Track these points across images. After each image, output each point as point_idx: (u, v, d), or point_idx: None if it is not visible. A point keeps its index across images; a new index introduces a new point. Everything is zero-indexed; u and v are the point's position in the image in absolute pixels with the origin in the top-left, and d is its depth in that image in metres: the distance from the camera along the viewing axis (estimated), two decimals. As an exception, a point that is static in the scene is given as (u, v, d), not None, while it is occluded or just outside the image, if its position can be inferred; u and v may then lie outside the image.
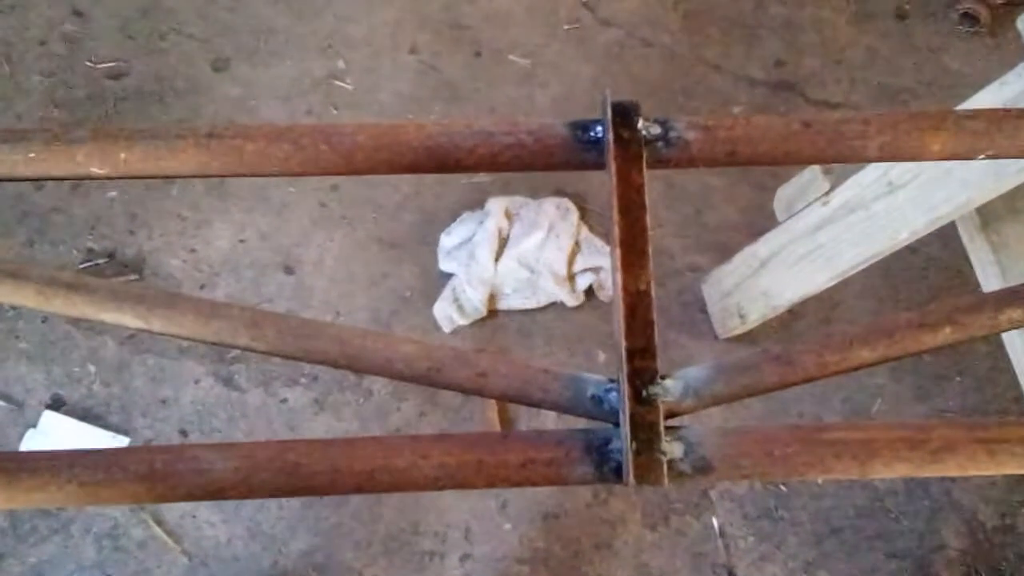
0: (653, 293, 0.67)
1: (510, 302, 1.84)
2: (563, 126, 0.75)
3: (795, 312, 1.77)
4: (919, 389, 1.83)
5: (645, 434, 0.65)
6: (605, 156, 0.72)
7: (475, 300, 1.80)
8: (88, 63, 1.94)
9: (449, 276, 1.85)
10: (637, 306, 0.69)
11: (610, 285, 1.83)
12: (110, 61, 1.94)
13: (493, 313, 1.84)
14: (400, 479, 0.74)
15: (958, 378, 1.84)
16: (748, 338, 1.77)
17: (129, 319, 0.80)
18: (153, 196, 1.87)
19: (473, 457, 0.73)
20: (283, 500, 1.73)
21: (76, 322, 1.78)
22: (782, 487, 1.77)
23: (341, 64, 1.96)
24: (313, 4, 1.98)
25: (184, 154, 0.80)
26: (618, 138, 0.70)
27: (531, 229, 1.83)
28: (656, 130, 0.70)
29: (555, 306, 1.85)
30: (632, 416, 0.65)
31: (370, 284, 1.86)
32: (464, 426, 1.77)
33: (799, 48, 1.99)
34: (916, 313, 0.65)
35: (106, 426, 1.75)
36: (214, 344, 0.82)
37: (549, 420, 1.78)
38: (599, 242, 1.86)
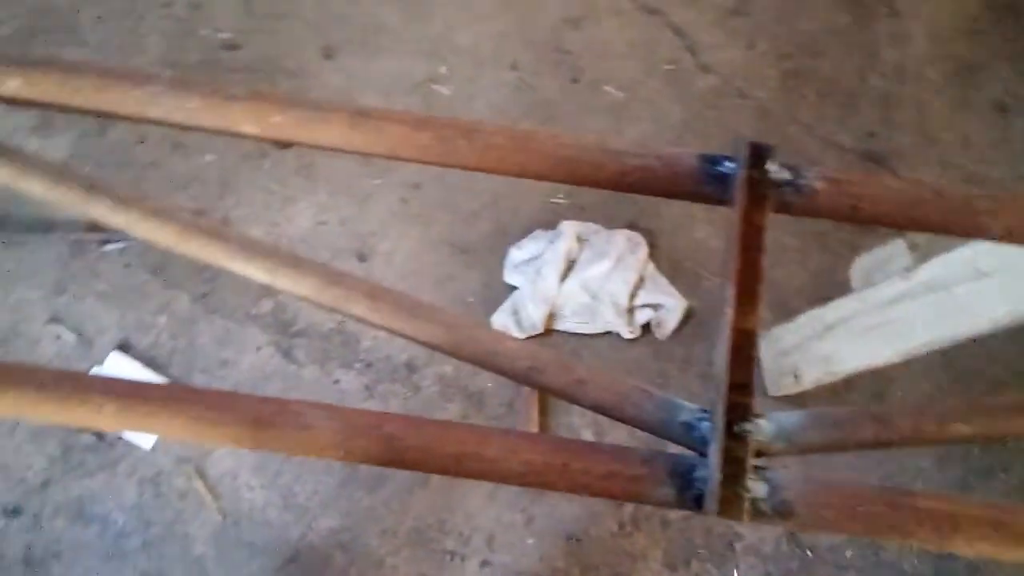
0: (759, 333, 0.70)
1: (567, 324, 1.87)
2: (693, 156, 0.78)
3: (849, 381, 1.78)
4: (962, 480, 1.81)
5: (732, 468, 0.67)
6: (732, 193, 0.74)
7: (534, 316, 1.84)
8: (206, 31, 2.03)
9: (512, 288, 1.89)
10: (743, 344, 0.71)
11: (668, 324, 1.87)
12: (227, 32, 2.03)
13: (549, 332, 1.87)
14: (487, 468, 0.78)
15: (1002, 475, 1.83)
16: (798, 399, 1.78)
17: (258, 273, 0.85)
18: (246, 166, 1.95)
19: (559, 460, 0.76)
20: (320, 476, 1.78)
21: (156, 272, 1.86)
22: (808, 552, 1.76)
23: (443, 69, 2.03)
24: (425, 8, 2.06)
25: (333, 126, 0.86)
26: (749, 177, 0.72)
27: (599, 257, 1.86)
28: (786, 175, 0.72)
29: (610, 335, 1.88)
30: (723, 448, 0.68)
31: (436, 284, 1.91)
32: (505, 436, 1.80)
33: (894, 123, 2.00)
34: (1018, 397, 0.67)
35: (167, 376, 1.81)
36: (331, 309, 0.86)
37: (590, 434, 1.81)
38: (663, 280, 1.89)
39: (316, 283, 0.84)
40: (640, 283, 1.87)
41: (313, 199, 1.93)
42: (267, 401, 0.81)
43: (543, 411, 1.81)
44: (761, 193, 0.73)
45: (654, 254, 1.92)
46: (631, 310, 1.86)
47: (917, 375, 1.84)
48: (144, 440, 1.77)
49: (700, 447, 0.73)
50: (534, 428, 1.77)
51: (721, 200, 0.76)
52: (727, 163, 0.75)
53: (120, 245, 1.88)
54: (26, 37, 2.01)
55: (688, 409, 0.80)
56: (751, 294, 0.73)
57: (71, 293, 1.84)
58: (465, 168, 0.88)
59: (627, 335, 1.85)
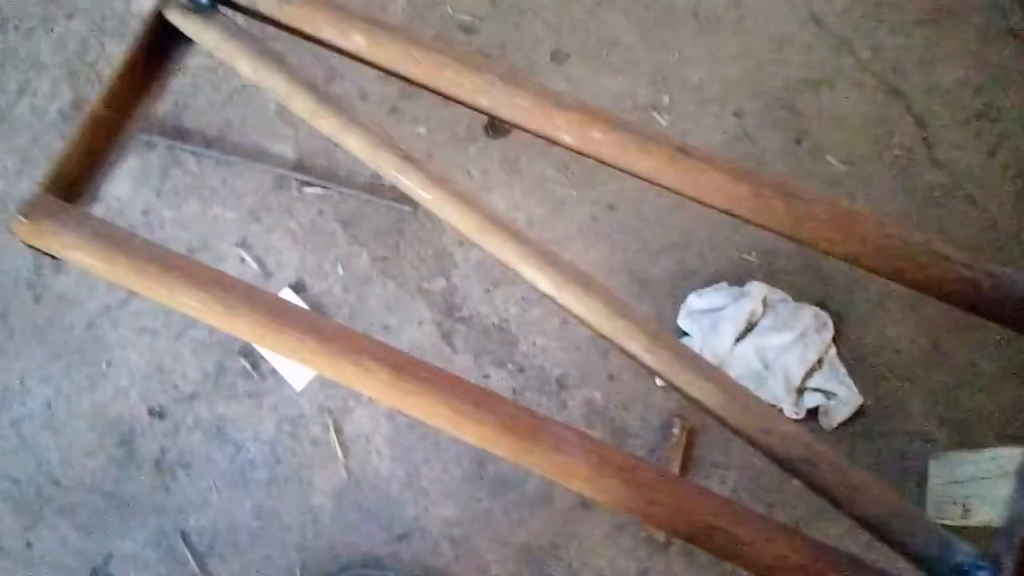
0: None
1: (730, 385, 1.80)
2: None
3: None
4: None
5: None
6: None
7: (699, 368, 1.78)
8: (448, 8, 2.06)
9: (683, 334, 1.84)
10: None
11: (837, 415, 1.77)
12: (467, 15, 2.06)
13: (709, 388, 1.81)
14: (734, 550, 0.74)
15: None
16: (960, 533, 1.65)
17: (543, 282, 0.84)
18: (453, 147, 1.97)
19: (819, 567, 0.72)
20: (448, 464, 1.78)
21: (345, 224, 1.90)
22: None
23: (665, 99, 1.99)
24: (664, 36, 2.03)
25: (652, 156, 0.84)
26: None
27: (782, 327, 1.79)
28: None
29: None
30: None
31: (606, 308, 1.88)
32: (638, 480, 1.76)
33: None
34: None
35: (330, 326, 1.85)
36: (603, 337, 0.84)
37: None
38: (842, 369, 1.80)
39: (602, 312, 0.82)
40: (817, 365, 1.78)
41: (508, 193, 1.94)
42: (529, 413, 0.79)
43: (684, 468, 1.76)
44: None
45: (838, 339, 1.83)
46: (801, 390, 1.78)
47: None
48: (296, 380, 1.81)
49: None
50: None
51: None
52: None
53: (318, 191, 1.93)
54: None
55: (964, 552, 0.74)
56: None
57: (263, 223, 1.91)
58: (773, 231, 0.85)
59: (791, 415, 1.77)
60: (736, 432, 0.80)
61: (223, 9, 0.91)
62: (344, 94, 2.01)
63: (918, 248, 0.79)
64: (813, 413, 1.80)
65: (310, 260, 1.90)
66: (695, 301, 1.85)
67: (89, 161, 0.87)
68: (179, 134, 1.98)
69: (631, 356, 0.83)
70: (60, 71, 2.04)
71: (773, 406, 1.80)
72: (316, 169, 1.95)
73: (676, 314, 1.86)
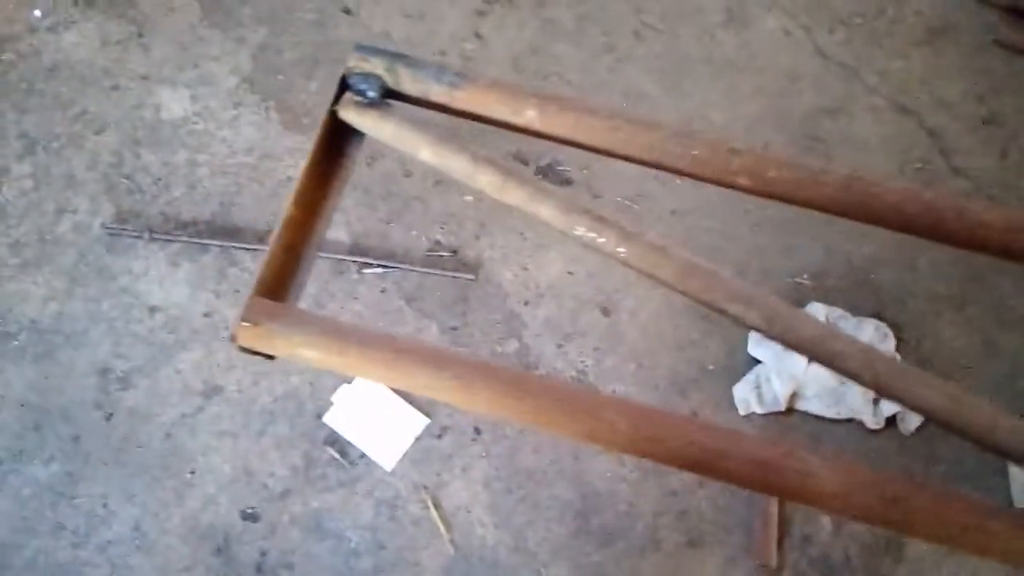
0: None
1: (809, 405, 1.86)
2: None
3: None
4: None
5: None
6: None
7: (778, 392, 1.84)
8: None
9: (756, 362, 1.90)
10: None
11: (913, 419, 1.84)
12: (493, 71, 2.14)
13: (790, 411, 1.86)
14: (990, 544, 0.77)
15: None
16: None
17: (752, 318, 0.88)
18: (502, 210, 2.01)
19: None
20: (552, 524, 1.77)
21: (410, 300, 1.92)
22: None
23: (695, 142, 2.09)
24: (687, 83, 2.14)
25: (826, 187, 0.90)
26: None
27: (849, 342, 1.86)
28: None
29: (851, 423, 1.86)
30: None
31: (677, 347, 1.93)
32: (742, 510, 1.78)
33: None
34: None
35: (412, 402, 1.85)
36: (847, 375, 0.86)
37: (824, 532, 1.78)
38: (910, 374, 1.87)
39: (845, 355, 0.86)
40: (889, 374, 1.85)
41: (563, 249, 1.99)
42: (770, 445, 0.82)
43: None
44: None
45: (899, 347, 1.91)
46: (876, 401, 1.85)
47: None
48: (386, 460, 1.80)
49: None
50: (772, 520, 1.76)
51: None
52: None
53: (378, 271, 1.95)
54: (310, 65, 2.16)
55: None
56: None
57: (329, 310, 1.92)
58: (948, 243, 0.91)
59: (871, 425, 1.83)
60: (962, 434, 0.84)
61: (392, 101, 0.95)
62: (387, 173, 2.05)
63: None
64: (891, 421, 1.86)
65: (381, 340, 1.90)
66: (762, 328, 1.91)
67: (289, 261, 0.89)
68: (230, 233, 1.99)
69: (853, 377, 0.86)
70: (97, 186, 2.04)
71: (852, 419, 1.86)
72: (372, 250, 1.98)
73: (746, 344, 1.92)
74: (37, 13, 2.29)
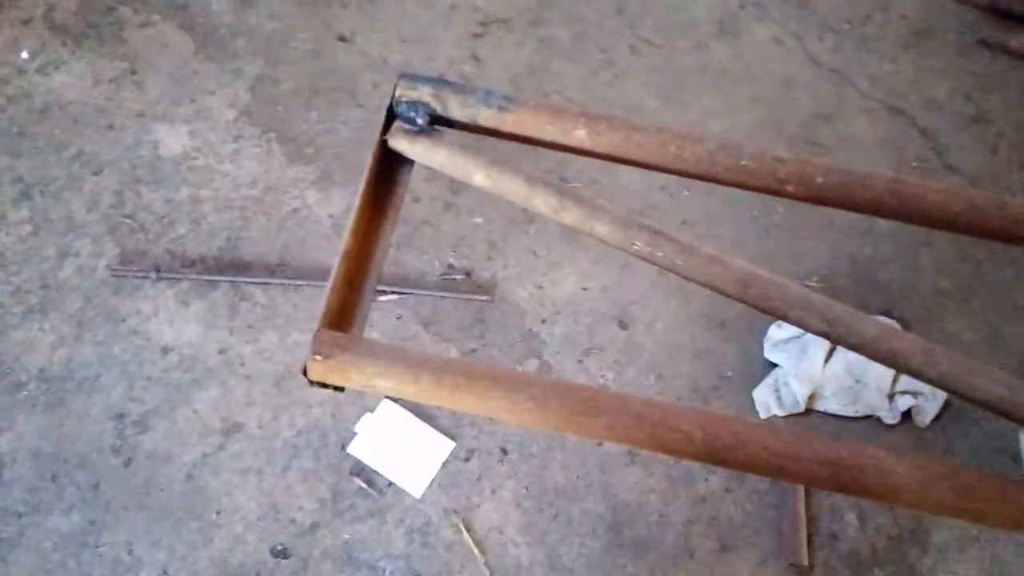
0: None
1: (828, 405, 1.89)
2: None
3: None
4: None
5: None
6: None
7: (797, 394, 1.86)
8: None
9: (773, 366, 1.92)
10: None
11: (928, 412, 1.87)
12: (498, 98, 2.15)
13: (809, 412, 1.89)
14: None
15: None
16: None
17: (813, 323, 0.89)
18: (513, 230, 2.03)
19: None
20: (586, 539, 1.77)
21: (427, 325, 1.92)
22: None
23: (696, 152, 2.12)
24: (684, 95, 2.17)
25: (871, 191, 0.92)
26: None
27: (862, 340, 1.89)
28: None
29: (869, 420, 1.89)
30: None
31: (695, 356, 1.95)
32: (770, 512, 1.80)
33: None
34: None
35: (436, 427, 1.84)
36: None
37: (853, 517, 1.79)
38: (924, 368, 1.91)
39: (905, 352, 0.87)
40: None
41: (576, 265, 2.00)
42: (844, 444, 0.84)
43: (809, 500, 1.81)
44: None
45: (911, 342, 1.94)
46: (891, 396, 1.88)
47: None
48: (415, 487, 1.79)
49: None
50: (801, 518, 1.77)
51: None
52: None
53: (393, 297, 1.95)
54: (309, 94, 2.16)
55: None
56: None
57: (345, 339, 1.90)
58: (987, 237, 0.93)
59: (889, 421, 1.86)
60: (1005, 413, 0.86)
61: (441, 128, 0.96)
62: (416, 215, 2.05)
63: None
64: (907, 415, 1.89)
65: (400, 366, 1.89)
66: (776, 332, 1.93)
67: (351, 293, 0.89)
68: (239, 268, 1.97)
69: (916, 375, 0.87)
70: (99, 228, 2.02)
71: (870, 416, 1.89)
72: (385, 277, 1.97)
73: (762, 349, 1.94)
74: (24, 55, 2.27)
